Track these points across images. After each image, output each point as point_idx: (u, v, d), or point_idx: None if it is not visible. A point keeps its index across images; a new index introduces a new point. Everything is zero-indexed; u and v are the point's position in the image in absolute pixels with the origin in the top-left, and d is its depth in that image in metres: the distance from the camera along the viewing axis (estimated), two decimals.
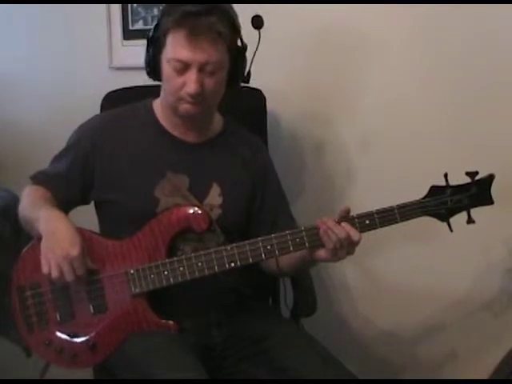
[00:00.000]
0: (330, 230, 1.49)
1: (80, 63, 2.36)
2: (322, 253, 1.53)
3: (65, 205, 1.65)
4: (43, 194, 1.65)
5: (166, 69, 1.57)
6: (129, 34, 2.28)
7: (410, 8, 1.94)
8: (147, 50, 1.62)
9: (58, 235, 1.51)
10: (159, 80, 1.63)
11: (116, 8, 2.28)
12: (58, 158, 1.71)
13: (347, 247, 1.50)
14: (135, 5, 2.26)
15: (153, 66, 1.61)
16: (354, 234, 1.49)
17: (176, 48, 1.54)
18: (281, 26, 1.98)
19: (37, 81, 2.44)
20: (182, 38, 1.53)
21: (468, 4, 1.87)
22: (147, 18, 2.25)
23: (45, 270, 1.51)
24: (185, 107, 1.59)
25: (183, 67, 1.54)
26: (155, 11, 2.23)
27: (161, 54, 1.59)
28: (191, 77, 1.54)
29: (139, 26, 2.27)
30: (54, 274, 1.49)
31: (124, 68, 2.30)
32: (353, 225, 1.50)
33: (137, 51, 2.24)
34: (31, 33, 2.42)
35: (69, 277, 1.50)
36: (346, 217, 1.51)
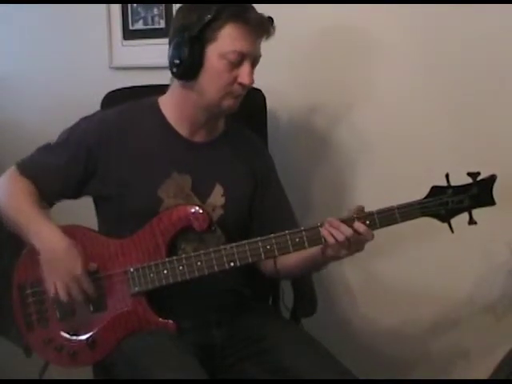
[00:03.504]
0: (334, 230, 1.48)
1: (80, 63, 2.36)
2: (329, 251, 1.52)
3: (51, 198, 1.64)
4: (30, 193, 1.61)
5: (217, 64, 1.55)
6: (129, 34, 2.29)
7: (409, 8, 1.93)
8: (190, 48, 1.53)
9: (56, 253, 1.52)
10: (193, 79, 1.57)
11: (116, 8, 2.29)
12: (52, 149, 1.67)
13: (356, 245, 1.49)
14: (135, 5, 2.26)
15: (195, 64, 1.55)
16: (367, 232, 1.48)
17: (236, 40, 1.54)
18: (281, 26, 1.97)
19: (37, 81, 2.44)
20: (244, 31, 1.53)
21: (468, 4, 1.87)
22: (147, 17, 2.25)
23: (51, 290, 1.52)
24: (229, 103, 1.59)
25: (239, 60, 1.55)
26: (155, 11, 2.24)
27: (205, 51, 1.55)
28: (246, 69, 1.56)
29: (139, 25, 2.27)
30: (63, 295, 1.51)
31: (124, 68, 2.30)
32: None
33: (137, 51, 2.27)
34: (31, 33, 2.42)
35: (78, 296, 1.52)
36: (353, 216, 1.50)
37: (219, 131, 1.72)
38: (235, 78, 1.56)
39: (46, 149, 1.68)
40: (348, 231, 1.48)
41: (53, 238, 1.53)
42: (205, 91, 1.58)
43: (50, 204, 1.66)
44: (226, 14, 1.53)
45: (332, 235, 1.49)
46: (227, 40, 1.54)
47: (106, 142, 1.64)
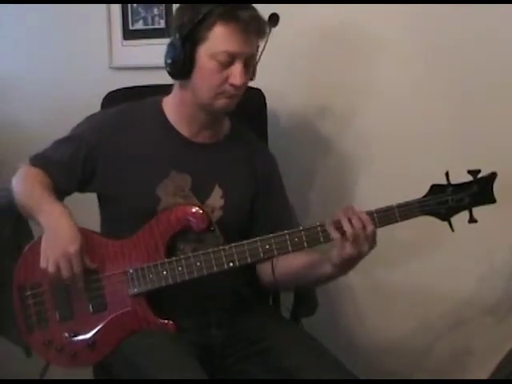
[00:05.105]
0: (349, 218, 1.46)
1: (80, 63, 2.36)
2: (334, 252, 1.49)
3: (60, 193, 1.65)
4: (42, 180, 1.63)
5: (208, 64, 1.55)
6: (129, 34, 2.29)
7: (409, 7, 1.93)
8: (182, 48, 1.54)
9: (58, 231, 1.52)
10: (186, 78, 1.58)
11: (116, 8, 2.29)
12: (60, 144, 1.69)
13: (363, 241, 1.47)
14: (135, 5, 2.27)
15: (187, 64, 1.55)
16: (369, 223, 1.47)
17: (225, 40, 1.53)
18: (281, 26, 1.97)
19: (37, 81, 2.45)
20: (233, 30, 1.52)
21: (467, 4, 1.86)
22: (147, 17, 2.25)
23: (43, 264, 1.52)
24: (222, 102, 1.58)
25: (229, 60, 1.54)
26: (155, 11, 2.24)
27: (197, 51, 1.55)
28: (237, 69, 1.54)
29: (139, 25, 2.27)
30: (51, 269, 1.50)
31: (124, 68, 2.31)
32: None
33: (137, 51, 2.28)
34: (31, 33, 2.42)
35: (65, 273, 1.50)
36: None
37: (223, 133, 1.72)
38: (226, 78, 1.55)
39: (55, 144, 1.70)
40: (358, 222, 1.45)
41: (59, 217, 1.54)
42: (197, 90, 1.59)
43: (60, 198, 1.65)
44: (216, 14, 1.52)
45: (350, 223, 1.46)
46: (217, 40, 1.53)
47: (105, 141, 1.64)
